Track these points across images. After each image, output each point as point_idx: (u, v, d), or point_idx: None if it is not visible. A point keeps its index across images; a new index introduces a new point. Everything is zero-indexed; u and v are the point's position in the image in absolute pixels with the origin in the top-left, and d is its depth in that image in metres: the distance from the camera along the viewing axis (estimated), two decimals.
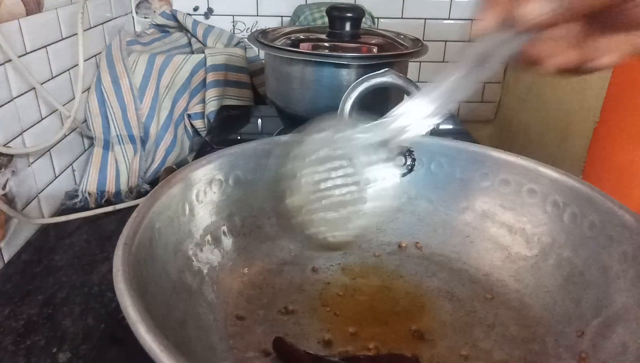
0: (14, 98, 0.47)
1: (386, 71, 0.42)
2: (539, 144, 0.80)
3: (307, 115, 0.60)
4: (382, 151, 0.26)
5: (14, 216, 0.46)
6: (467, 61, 0.24)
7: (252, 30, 0.86)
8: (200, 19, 0.85)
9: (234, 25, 0.86)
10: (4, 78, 0.46)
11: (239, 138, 0.67)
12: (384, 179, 0.26)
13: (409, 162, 0.40)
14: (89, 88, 0.63)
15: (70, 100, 0.58)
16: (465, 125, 0.77)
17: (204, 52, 0.75)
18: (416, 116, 0.25)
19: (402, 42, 0.61)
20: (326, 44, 0.60)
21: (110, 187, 0.58)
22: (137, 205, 0.29)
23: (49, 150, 0.54)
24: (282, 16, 0.86)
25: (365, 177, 0.26)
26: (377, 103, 0.60)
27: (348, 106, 0.42)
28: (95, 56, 0.65)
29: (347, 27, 0.60)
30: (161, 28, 0.83)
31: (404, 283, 0.36)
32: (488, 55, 0.24)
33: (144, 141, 0.64)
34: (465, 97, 0.24)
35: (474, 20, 0.24)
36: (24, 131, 0.49)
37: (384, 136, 0.26)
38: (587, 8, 0.21)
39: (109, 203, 0.57)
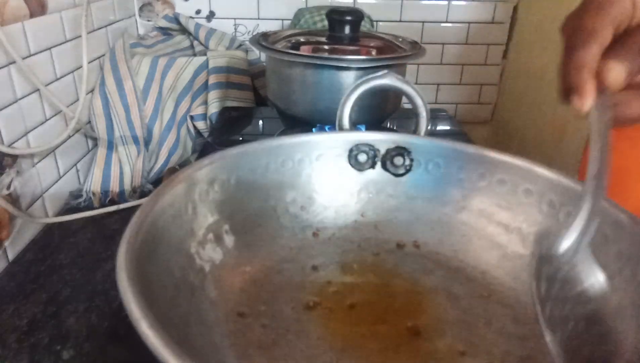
0: (19, 99, 0.48)
1: (385, 73, 0.43)
2: (535, 145, 0.80)
3: (307, 116, 0.61)
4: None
5: (19, 215, 0.47)
6: (598, 142, 0.27)
7: (254, 33, 0.86)
8: (203, 22, 0.85)
9: (235, 28, 0.87)
10: (8, 80, 0.47)
11: (240, 138, 0.67)
12: None
13: (407, 162, 0.41)
14: (93, 90, 0.64)
15: (74, 101, 0.59)
16: (462, 126, 0.77)
17: (206, 55, 0.75)
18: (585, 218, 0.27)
19: (400, 44, 0.62)
20: (326, 47, 0.61)
21: (114, 187, 0.59)
22: (140, 205, 0.29)
23: (53, 151, 0.54)
24: (282, 19, 0.87)
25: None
26: (376, 105, 0.61)
27: (347, 107, 0.43)
28: (99, 58, 0.66)
29: (347, 30, 0.61)
30: (164, 31, 0.84)
31: (401, 281, 0.37)
32: (604, 125, 0.27)
33: (147, 142, 0.65)
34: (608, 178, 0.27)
35: (574, 98, 0.28)
36: (29, 131, 0.50)
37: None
38: None
39: (112, 202, 0.57)
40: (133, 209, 0.29)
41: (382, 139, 0.41)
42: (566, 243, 0.27)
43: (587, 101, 0.27)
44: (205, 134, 0.75)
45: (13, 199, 0.47)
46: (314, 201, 0.41)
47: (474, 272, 0.37)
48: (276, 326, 0.32)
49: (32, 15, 0.50)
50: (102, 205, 0.57)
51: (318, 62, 0.55)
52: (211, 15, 0.86)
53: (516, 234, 0.37)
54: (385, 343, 0.31)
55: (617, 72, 0.26)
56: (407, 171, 0.41)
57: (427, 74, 0.93)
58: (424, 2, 0.87)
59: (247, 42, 0.85)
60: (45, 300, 0.42)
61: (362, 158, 0.41)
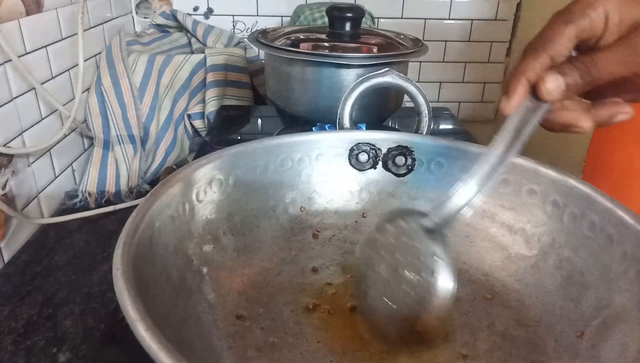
0: (14, 98, 0.47)
1: (386, 71, 0.42)
2: (538, 145, 0.80)
3: (307, 115, 0.60)
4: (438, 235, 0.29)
5: (14, 216, 0.46)
6: (505, 137, 0.28)
7: (252, 30, 0.86)
8: (200, 19, 0.85)
9: (234, 25, 0.86)
10: (4, 78, 0.46)
11: (238, 137, 0.66)
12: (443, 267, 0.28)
13: (409, 162, 0.40)
14: (89, 88, 0.63)
15: (70, 100, 0.58)
16: (465, 125, 0.77)
17: (204, 52, 0.75)
18: (466, 198, 0.29)
19: (402, 42, 0.61)
20: (326, 44, 0.60)
21: (110, 187, 0.58)
22: (137, 205, 0.29)
23: (49, 150, 0.54)
24: (282, 16, 0.86)
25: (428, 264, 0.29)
26: (378, 103, 0.61)
27: (348, 106, 0.42)
28: (95, 56, 0.65)
29: (347, 27, 0.60)
30: (161, 28, 0.83)
31: None
32: (521, 127, 0.28)
33: (144, 141, 0.64)
34: (505, 170, 0.29)
35: (503, 98, 0.29)
36: (24, 131, 0.49)
37: (440, 220, 0.29)
38: (604, 80, 0.26)
39: (109, 203, 0.57)
40: (130, 210, 0.28)
41: (383, 138, 0.41)
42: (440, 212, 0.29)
43: (510, 104, 0.28)
44: (203, 133, 0.74)
45: (8, 199, 0.46)
46: (314, 201, 0.40)
47: (477, 274, 0.37)
48: (275, 329, 0.32)
49: (28, 13, 0.49)
50: (98, 206, 0.56)
51: (318, 59, 0.55)
52: (209, 12, 0.85)
53: (520, 235, 0.37)
54: (387, 346, 0.31)
55: (551, 85, 0.27)
56: (409, 170, 0.41)
57: (429, 72, 0.93)
58: None
59: (245, 40, 0.84)
60: (41, 302, 0.41)
61: (363, 157, 0.41)
